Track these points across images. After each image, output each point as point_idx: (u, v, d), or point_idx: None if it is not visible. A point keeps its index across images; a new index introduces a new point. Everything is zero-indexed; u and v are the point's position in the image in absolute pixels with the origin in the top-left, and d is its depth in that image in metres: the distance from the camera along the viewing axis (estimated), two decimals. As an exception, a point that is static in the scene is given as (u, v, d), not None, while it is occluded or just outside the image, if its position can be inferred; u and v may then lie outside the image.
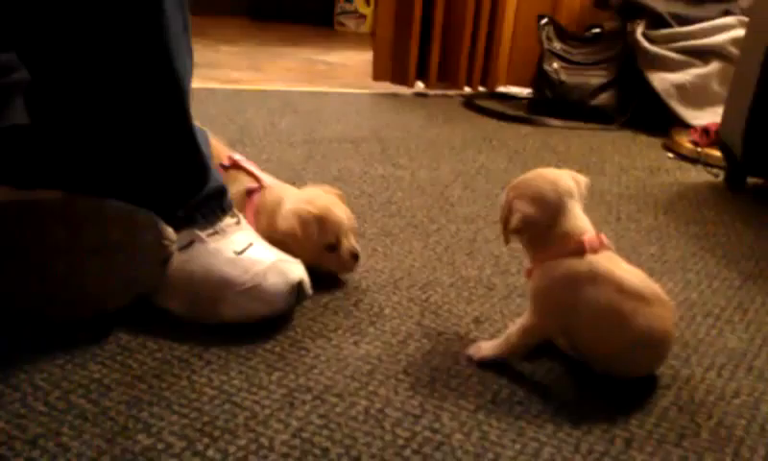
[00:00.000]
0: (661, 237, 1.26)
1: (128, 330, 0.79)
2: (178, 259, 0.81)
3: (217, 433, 0.64)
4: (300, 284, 0.83)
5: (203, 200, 0.84)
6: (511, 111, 2.23)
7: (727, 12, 2.16)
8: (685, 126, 2.02)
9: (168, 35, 0.76)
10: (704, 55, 2.13)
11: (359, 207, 1.26)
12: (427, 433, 0.67)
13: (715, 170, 1.73)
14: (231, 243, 0.84)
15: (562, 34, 2.32)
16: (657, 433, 0.70)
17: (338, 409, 0.69)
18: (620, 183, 1.58)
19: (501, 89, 2.52)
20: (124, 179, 0.81)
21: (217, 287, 0.81)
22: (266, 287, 0.81)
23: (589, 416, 0.71)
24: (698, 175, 1.73)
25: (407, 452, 0.64)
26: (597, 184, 1.55)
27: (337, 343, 0.81)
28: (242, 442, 0.63)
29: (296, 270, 0.84)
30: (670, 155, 1.90)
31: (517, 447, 0.66)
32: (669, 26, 2.17)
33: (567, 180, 0.77)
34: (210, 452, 0.62)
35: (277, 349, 0.79)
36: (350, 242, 0.95)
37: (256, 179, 0.99)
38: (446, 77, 2.44)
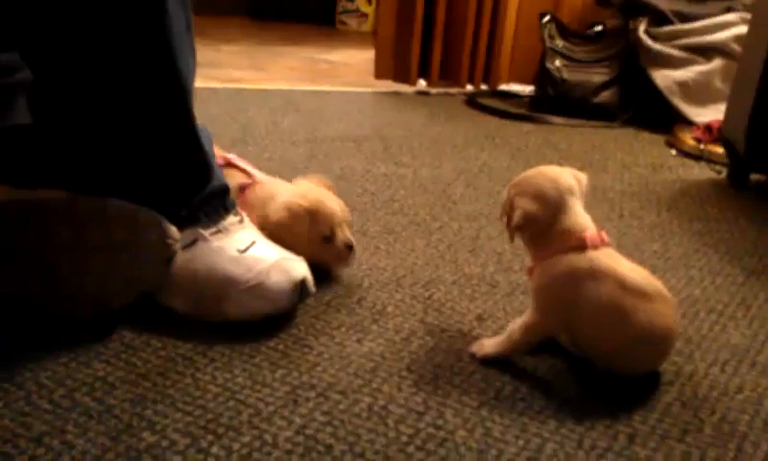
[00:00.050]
0: (664, 234, 1.26)
1: (132, 329, 0.79)
2: (181, 258, 0.81)
3: (221, 430, 0.64)
4: (303, 282, 0.83)
5: (206, 198, 0.84)
6: (513, 109, 2.23)
7: (729, 9, 2.15)
8: (688, 123, 2.02)
9: (171, 34, 0.77)
10: (706, 52, 2.12)
11: (362, 206, 1.26)
12: (431, 430, 0.67)
13: (718, 167, 1.73)
14: (235, 241, 0.84)
15: (564, 31, 2.32)
16: (660, 429, 0.70)
17: (341, 406, 0.69)
18: (623, 181, 1.58)
19: (503, 87, 2.52)
20: (127, 178, 0.81)
21: (221, 285, 0.81)
22: (269, 285, 0.81)
23: (592, 412, 0.71)
24: (701, 172, 1.73)
25: (410, 449, 0.64)
26: (600, 182, 1.55)
27: (340, 340, 0.81)
28: (246, 439, 0.64)
29: (299, 268, 0.84)
30: (673, 152, 1.90)
31: (521, 443, 0.66)
32: (671, 23, 2.16)
33: (568, 177, 0.78)
34: (214, 449, 0.62)
35: (281, 346, 0.79)
36: (345, 234, 0.95)
37: (248, 175, 0.99)
38: (448, 75, 2.43)
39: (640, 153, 1.86)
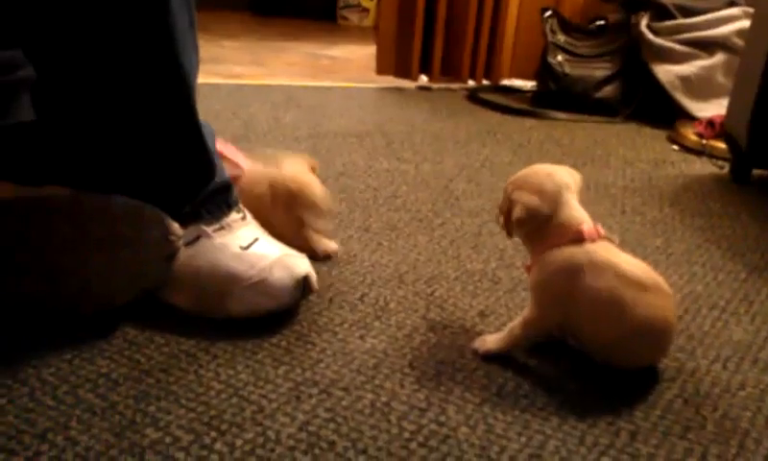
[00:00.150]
0: (666, 230, 1.26)
1: (135, 325, 0.79)
2: (184, 255, 0.81)
3: (224, 427, 0.65)
4: (305, 279, 0.83)
5: (209, 195, 0.84)
6: (515, 104, 2.22)
7: (732, 4, 2.15)
8: (690, 118, 2.01)
9: (175, 31, 0.77)
10: (708, 46, 2.12)
11: (364, 202, 1.26)
12: (433, 426, 0.67)
13: (720, 162, 1.72)
14: (237, 238, 0.84)
15: (566, 26, 2.31)
16: (662, 426, 0.70)
17: (344, 403, 0.69)
18: (625, 176, 1.58)
19: (505, 82, 2.52)
20: (130, 175, 0.81)
21: (223, 282, 0.81)
22: (272, 282, 0.81)
23: (594, 409, 0.72)
24: (703, 167, 1.73)
25: (413, 445, 0.64)
26: (602, 177, 1.55)
27: (343, 337, 0.81)
28: (249, 435, 0.64)
29: (301, 264, 0.84)
30: (675, 147, 1.90)
31: (523, 439, 0.66)
32: (674, 17, 2.16)
33: (564, 174, 0.79)
34: (218, 446, 0.62)
35: (284, 343, 0.79)
36: (322, 223, 0.96)
37: (238, 166, 1.00)
38: (450, 70, 2.43)
39: (642, 148, 1.86)
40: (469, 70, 2.43)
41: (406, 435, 0.66)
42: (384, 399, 0.71)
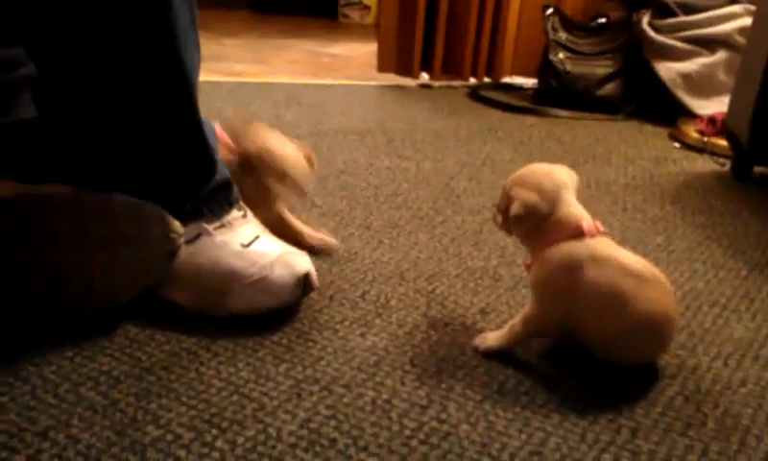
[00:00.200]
0: (668, 227, 1.26)
1: (136, 323, 0.79)
2: (185, 252, 0.82)
3: (225, 424, 0.65)
4: (306, 276, 0.83)
5: (210, 193, 0.85)
6: (516, 102, 2.22)
7: (733, 1, 2.14)
8: (692, 115, 2.01)
9: (176, 28, 0.77)
10: (710, 44, 2.11)
11: (365, 200, 1.26)
12: (434, 423, 0.67)
13: (722, 159, 1.72)
14: (238, 236, 0.84)
15: (567, 24, 2.31)
16: (663, 423, 0.70)
17: (345, 400, 0.70)
18: (626, 174, 1.58)
19: (506, 80, 2.51)
20: (132, 172, 0.81)
21: (224, 280, 0.81)
22: (273, 279, 0.81)
23: (595, 406, 0.72)
24: (704, 164, 1.72)
25: (414, 443, 0.64)
26: (603, 175, 1.55)
27: (344, 335, 0.81)
28: (250, 433, 0.64)
29: (302, 262, 0.84)
30: (676, 144, 1.90)
31: (524, 437, 0.66)
32: (675, 15, 2.16)
33: (562, 173, 0.79)
34: (219, 443, 0.62)
35: (285, 340, 0.79)
36: (292, 196, 0.95)
37: (231, 150, 0.99)
38: (451, 68, 2.43)
39: (644, 145, 1.86)
40: (471, 68, 2.43)
41: (407, 432, 0.66)
42: (385, 396, 0.71)
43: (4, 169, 0.79)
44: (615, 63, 2.22)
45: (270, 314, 0.82)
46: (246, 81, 2.26)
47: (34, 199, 0.76)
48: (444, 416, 0.68)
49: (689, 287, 1.01)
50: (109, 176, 0.80)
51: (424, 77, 2.43)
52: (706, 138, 1.82)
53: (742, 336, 0.88)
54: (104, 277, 0.78)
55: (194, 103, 0.81)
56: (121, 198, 0.78)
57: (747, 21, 1.94)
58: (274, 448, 0.62)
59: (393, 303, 0.90)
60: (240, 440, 0.63)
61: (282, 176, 0.95)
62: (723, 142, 1.73)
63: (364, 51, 3.04)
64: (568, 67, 2.23)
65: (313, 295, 0.88)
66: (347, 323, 0.84)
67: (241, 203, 0.88)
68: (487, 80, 2.48)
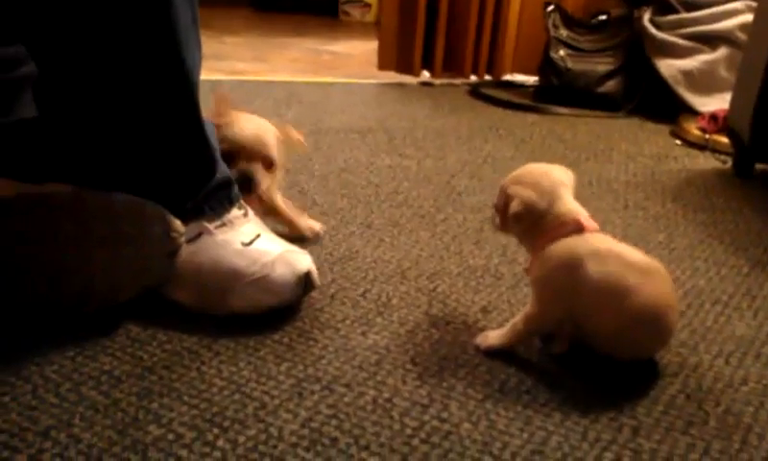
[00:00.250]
0: (669, 225, 1.26)
1: (137, 322, 0.79)
2: (186, 251, 0.82)
3: (227, 423, 0.65)
4: (307, 275, 0.83)
5: (210, 192, 0.84)
6: (517, 100, 2.22)
7: (735, -3, 2.14)
8: (693, 112, 2.01)
9: (177, 27, 0.76)
10: (711, 40, 2.11)
11: (366, 198, 1.26)
12: (435, 422, 0.67)
13: (723, 157, 1.72)
14: (239, 234, 0.84)
15: (568, 21, 2.31)
16: (664, 421, 0.70)
17: (346, 399, 0.70)
18: (628, 171, 1.57)
19: (507, 78, 2.51)
20: (133, 171, 0.81)
21: (225, 278, 0.81)
22: (274, 278, 0.81)
23: (597, 404, 0.72)
24: (706, 162, 1.72)
25: (415, 442, 0.64)
26: (604, 172, 1.55)
27: (345, 333, 0.81)
28: (251, 432, 0.64)
29: (303, 261, 0.84)
30: (678, 142, 1.89)
31: (525, 436, 0.66)
32: (676, 12, 2.15)
33: (559, 172, 0.80)
34: (220, 442, 0.62)
35: (286, 339, 0.79)
36: (248, 164, 0.94)
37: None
38: (452, 66, 2.43)
39: (645, 143, 1.86)
40: (472, 65, 2.43)
41: (408, 431, 0.66)
42: (386, 395, 0.71)
43: (5, 168, 0.79)
44: (616, 60, 2.21)
45: (271, 313, 0.82)
46: (247, 79, 2.26)
47: (34, 198, 0.76)
48: (445, 415, 0.68)
49: (691, 285, 1.01)
50: (110, 175, 0.80)
51: (425, 75, 2.43)
52: (707, 135, 1.82)
53: (744, 334, 0.88)
54: (105, 276, 0.78)
55: (195, 102, 0.81)
56: (122, 197, 0.78)
57: (748, 18, 1.94)
58: (275, 447, 0.62)
59: (394, 301, 0.90)
60: (241, 439, 0.63)
61: (250, 155, 0.94)
62: (724, 139, 1.73)
63: (365, 49, 3.04)
64: (569, 64, 2.23)
65: (314, 293, 0.88)
66: (348, 321, 0.84)
67: (241, 201, 0.88)
68: (488, 77, 2.48)
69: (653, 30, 2.14)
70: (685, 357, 0.81)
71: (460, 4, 2.36)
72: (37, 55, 0.78)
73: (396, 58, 2.39)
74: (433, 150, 1.61)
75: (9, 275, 0.75)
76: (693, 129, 1.89)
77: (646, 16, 2.16)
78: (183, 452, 0.61)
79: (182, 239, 0.81)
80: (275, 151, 0.98)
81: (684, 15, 2.14)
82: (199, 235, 0.83)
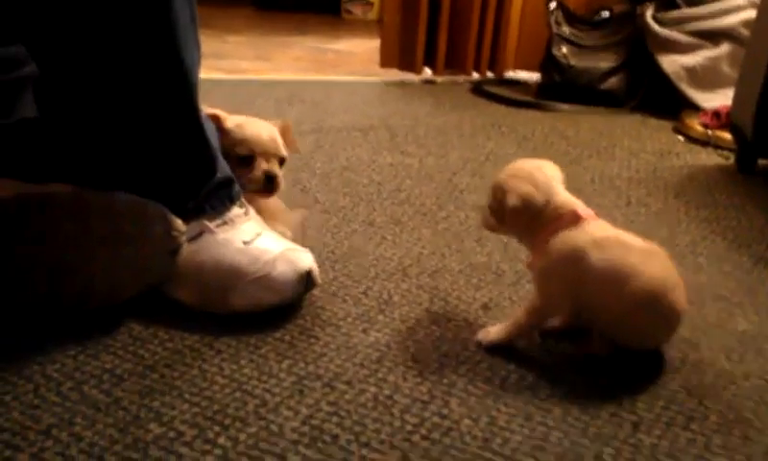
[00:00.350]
0: (672, 221, 1.25)
1: (139, 321, 0.80)
2: (187, 250, 0.82)
3: (228, 421, 0.65)
4: (308, 273, 0.83)
5: (211, 190, 0.85)
6: (519, 97, 2.22)
7: (737, -7, 2.13)
8: (696, 109, 2.00)
9: (176, 27, 0.77)
10: (714, 37, 2.10)
11: (368, 196, 1.26)
12: (436, 419, 0.67)
13: (726, 153, 1.72)
14: (240, 233, 0.84)
15: (570, 17, 2.30)
16: (665, 416, 0.70)
17: (347, 396, 0.70)
18: (630, 167, 1.57)
19: (510, 75, 2.51)
20: (133, 171, 0.81)
21: (227, 277, 0.81)
22: (275, 276, 0.81)
23: (597, 400, 0.72)
24: (708, 158, 1.72)
25: (416, 438, 0.64)
26: (607, 169, 1.54)
27: (346, 331, 0.81)
28: (252, 429, 0.64)
29: (305, 259, 0.84)
30: (680, 138, 1.89)
31: (525, 431, 0.66)
32: (679, 8, 2.15)
33: (548, 166, 0.80)
34: (221, 440, 0.62)
35: (287, 337, 0.79)
36: (268, 164, 0.94)
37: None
38: (454, 63, 2.43)
39: (648, 139, 1.85)
40: (474, 63, 2.43)
41: (409, 428, 0.66)
42: (387, 392, 0.71)
43: (5, 168, 0.80)
44: (619, 57, 2.21)
45: (272, 311, 0.82)
46: (249, 78, 2.26)
47: (35, 198, 0.77)
48: (446, 411, 0.68)
49: (693, 281, 1.01)
50: (111, 175, 0.80)
51: (427, 72, 2.43)
52: (710, 132, 1.81)
53: (745, 330, 0.88)
54: (105, 275, 0.78)
55: (194, 101, 0.82)
56: (123, 197, 0.78)
57: (751, 14, 1.93)
58: (276, 444, 0.62)
59: (395, 298, 0.90)
60: (242, 437, 0.63)
61: (268, 156, 0.95)
62: (727, 135, 1.72)
63: (367, 47, 3.04)
64: (572, 61, 2.22)
65: (315, 291, 0.88)
66: (349, 319, 0.84)
67: (242, 200, 0.88)
68: (490, 75, 2.48)
69: (655, 26, 2.14)
70: (687, 353, 0.81)
71: (462, 1, 2.36)
72: (38, 55, 0.79)
73: (398, 55, 2.39)
74: (435, 147, 1.61)
75: (10, 274, 0.75)
76: (696, 125, 1.89)
77: (648, 12, 2.16)
78: (185, 450, 0.61)
79: (184, 238, 0.81)
80: (285, 150, 0.99)
81: (687, 11, 2.13)
82: (200, 234, 0.83)
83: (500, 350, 0.79)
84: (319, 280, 0.86)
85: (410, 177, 1.39)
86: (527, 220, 0.77)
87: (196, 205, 0.83)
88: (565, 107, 2.13)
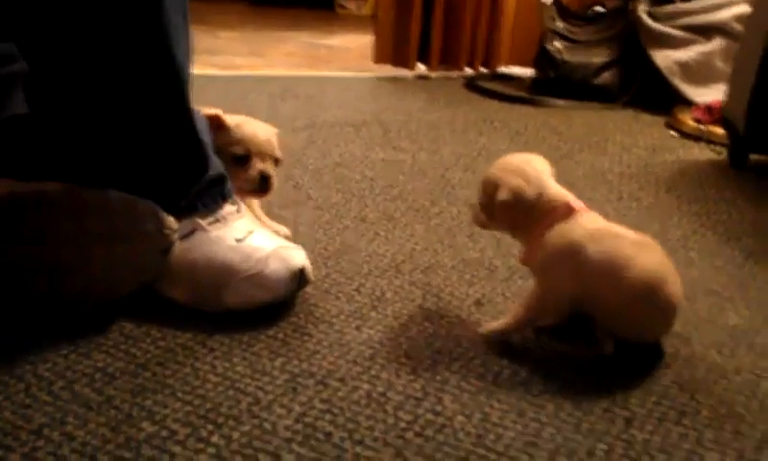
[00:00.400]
0: (663, 216, 1.26)
1: (131, 319, 0.79)
2: (180, 248, 0.82)
3: (221, 419, 0.65)
4: (301, 270, 0.83)
5: (203, 188, 0.84)
6: (513, 92, 2.22)
7: (730, -12, 2.14)
8: (688, 104, 2.01)
9: (168, 24, 0.76)
10: (707, 32, 2.11)
11: (360, 192, 1.26)
12: (429, 416, 0.67)
13: (718, 148, 1.72)
14: (232, 231, 0.84)
15: (564, 13, 2.31)
16: (657, 412, 0.70)
17: (340, 393, 0.70)
18: (622, 162, 1.58)
19: (503, 70, 2.51)
20: (125, 169, 0.81)
21: (219, 275, 0.81)
22: (268, 274, 0.81)
23: (590, 396, 0.72)
24: (701, 152, 1.72)
25: (409, 435, 0.64)
26: (599, 164, 1.55)
27: (339, 328, 0.81)
28: (246, 428, 0.64)
29: (297, 256, 0.84)
30: (673, 133, 1.89)
31: (519, 428, 0.66)
32: (672, 2, 2.15)
33: (537, 160, 0.81)
34: (214, 439, 0.62)
35: (280, 335, 0.79)
36: (263, 164, 0.95)
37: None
38: (448, 59, 2.42)
39: (640, 134, 1.86)
40: (468, 58, 2.43)
41: (402, 425, 0.66)
42: (380, 389, 0.71)
43: (-2, 167, 0.79)
44: (612, 52, 2.21)
45: (265, 308, 0.82)
46: (242, 74, 2.26)
47: (31, 196, 0.76)
48: (439, 408, 0.68)
49: (684, 275, 0.99)
50: (102, 172, 0.80)
51: (421, 68, 2.43)
52: (702, 127, 1.82)
53: (737, 324, 0.88)
54: (104, 274, 0.77)
55: (185, 98, 0.81)
56: (115, 194, 0.78)
57: (744, 8, 1.94)
58: (269, 442, 0.62)
59: (388, 295, 0.90)
60: (236, 435, 0.63)
61: (263, 156, 0.95)
62: (719, 130, 1.73)
63: (361, 42, 3.03)
64: (565, 56, 2.23)
65: (308, 289, 0.88)
66: (342, 316, 0.84)
67: (235, 197, 0.88)
68: (484, 70, 2.48)
69: (648, 21, 2.14)
70: (678, 348, 0.82)
71: (455, -4, 2.36)
72: (28, 52, 0.78)
73: (391, 51, 2.39)
74: (428, 143, 1.61)
75: (9, 274, 0.75)
76: (688, 120, 1.89)
77: (642, 7, 2.16)
78: (177, 449, 0.61)
79: (176, 236, 0.81)
80: (279, 151, 0.99)
81: (680, 6, 2.14)
82: (192, 232, 0.83)
83: (493, 346, 0.79)
84: (312, 278, 0.86)
85: (402, 172, 1.39)
86: (518, 214, 0.77)
87: (188, 202, 0.83)
88: (559, 102, 2.13)
